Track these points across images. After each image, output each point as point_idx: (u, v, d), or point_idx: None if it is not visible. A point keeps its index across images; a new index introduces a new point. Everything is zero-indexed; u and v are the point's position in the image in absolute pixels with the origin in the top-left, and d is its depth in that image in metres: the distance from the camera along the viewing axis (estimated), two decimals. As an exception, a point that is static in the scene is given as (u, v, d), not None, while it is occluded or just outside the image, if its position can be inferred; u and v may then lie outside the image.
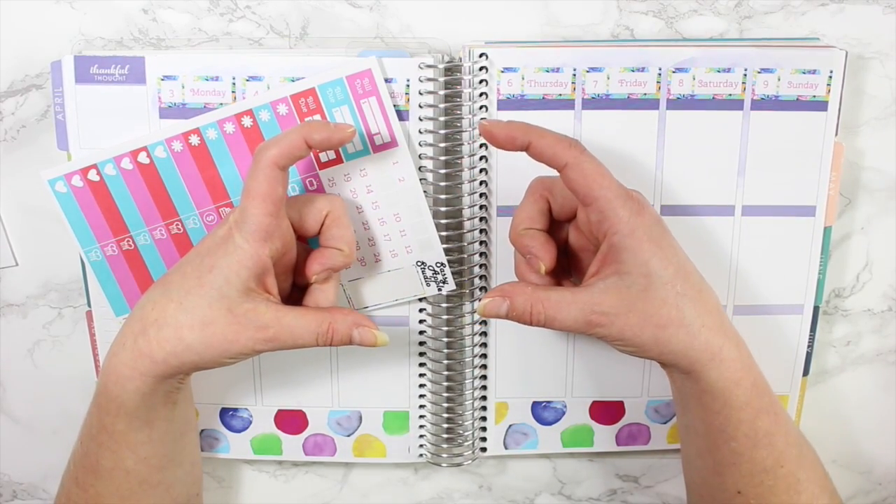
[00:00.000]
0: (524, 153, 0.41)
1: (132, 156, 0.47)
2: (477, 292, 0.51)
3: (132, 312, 0.43)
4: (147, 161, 0.47)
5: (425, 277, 0.49)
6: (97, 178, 0.47)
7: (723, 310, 0.43)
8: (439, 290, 0.50)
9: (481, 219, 0.49)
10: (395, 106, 0.47)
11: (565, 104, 0.47)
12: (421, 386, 0.52)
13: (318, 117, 0.46)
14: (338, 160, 0.47)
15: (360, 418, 0.53)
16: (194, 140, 0.47)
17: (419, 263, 0.49)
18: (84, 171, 0.47)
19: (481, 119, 0.45)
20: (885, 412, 0.55)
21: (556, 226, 0.45)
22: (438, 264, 0.49)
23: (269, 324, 0.41)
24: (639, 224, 0.40)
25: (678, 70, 0.47)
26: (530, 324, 0.41)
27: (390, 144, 0.47)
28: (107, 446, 0.43)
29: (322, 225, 0.44)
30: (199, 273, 0.41)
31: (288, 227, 0.43)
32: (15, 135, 0.50)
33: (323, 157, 0.47)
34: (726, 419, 0.41)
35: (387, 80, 0.46)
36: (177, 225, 0.48)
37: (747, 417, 0.41)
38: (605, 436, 0.53)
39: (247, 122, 0.47)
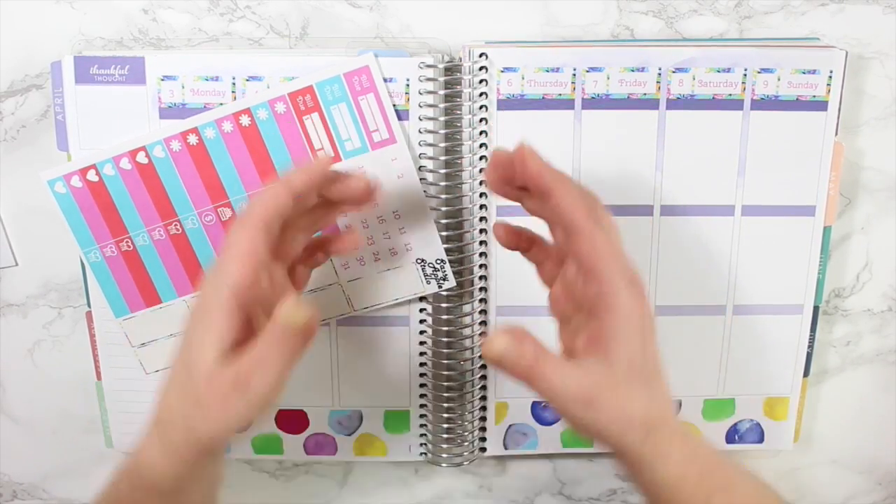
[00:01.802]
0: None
1: (131, 156, 0.47)
2: (476, 292, 0.50)
3: (155, 398, 0.41)
4: (146, 161, 0.47)
5: (425, 275, 0.49)
6: (96, 179, 0.47)
7: (672, 404, 0.41)
8: (439, 286, 0.50)
9: (481, 218, 0.49)
10: (395, 106, 0.47)
11: (565, 104, 0.47)
12: (421, 385, 0.52)
13: (316, 115, 0.46)
14: (336, 158, 0.47)
15: (361, 417, 0.53)
16: (192, 139, 0.47)
17: (419, 261, 0.49)
18: (83, 172, 0.47)
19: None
20: (885, 412, 0.55)
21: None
22: (438, 261, 0.49)
23: (242, 374, 0.38)
24: (637, 314, 0.38)
25: (678, 70, 0.47)
26: (526, 377, 0.39)
27: (388, 141, 0.47)
28: None
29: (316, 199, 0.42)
30: (183, 358, 0.39)
31: (269, 285, 0.40)
32: (15, 135, 0.50)
33: (321, 154, 0.47)
34: None
35: (387, 80, 0.46)
36: (175, 225, 0.48)
37: (699, 501, 0.41)
38: (605, 436, 0.53)
39: (245, 120, 0.47)
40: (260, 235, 0.38)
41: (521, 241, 0.43)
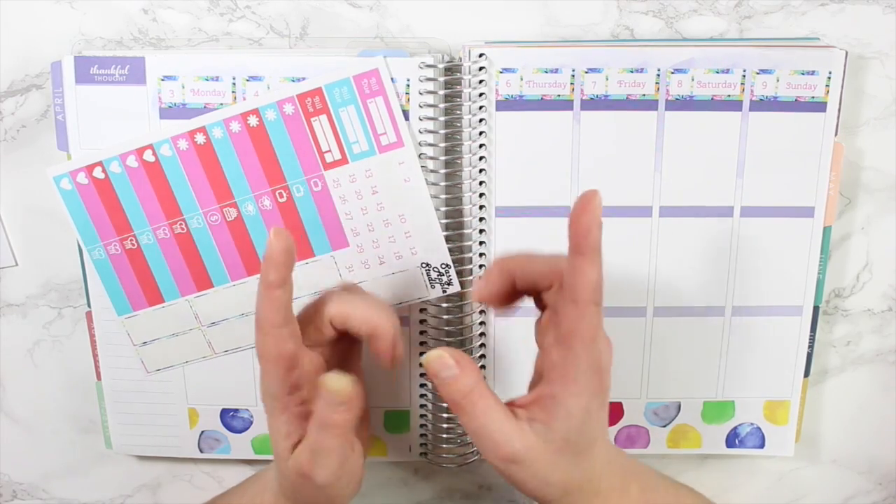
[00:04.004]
0: (526, 157, 0.40)
1: (137, 154, 0.47)
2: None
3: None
4: (152, 159, 0.47)
5: (430, 279, 0.49)
6: (102, 176, 0.47)
7: (600, 467, 0.41)
8: (444, 291, 0.49)
9: (481, 219, 0.49)
10: (395, 106, 0.47)
11: (564, 105, 0.47)
12: (422, 385, 0.52)
13: (324, 117, 0.46)
14: (343, 161, 0.47)
15: (361, 418, 0.53)
16: (200, 139, 0.47)
17: (424, 265, 0.49)
18: (89, 169, 0.47)
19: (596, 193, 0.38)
20: (885, 412, 0.55)
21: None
22: (443, 265, 0.49)
23: (302, 462, 0.41)
24: (587, 393, 0.38)
25: (677, 71, 0.47)
26: (455, 406, 0.39)
27: (396, 144, 0.47)
28: None
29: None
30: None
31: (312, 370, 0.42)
32: (15, 135, 0.50)
33: (328, 157, 0.47)
34: None
35: (388, 81, 0.47)
36: (180, 224, 0.48)
37: None
38: (605, 436, 0.53)
39: (253, 121, 0.47)
40: (279, 332, 0.40)
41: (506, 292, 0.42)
